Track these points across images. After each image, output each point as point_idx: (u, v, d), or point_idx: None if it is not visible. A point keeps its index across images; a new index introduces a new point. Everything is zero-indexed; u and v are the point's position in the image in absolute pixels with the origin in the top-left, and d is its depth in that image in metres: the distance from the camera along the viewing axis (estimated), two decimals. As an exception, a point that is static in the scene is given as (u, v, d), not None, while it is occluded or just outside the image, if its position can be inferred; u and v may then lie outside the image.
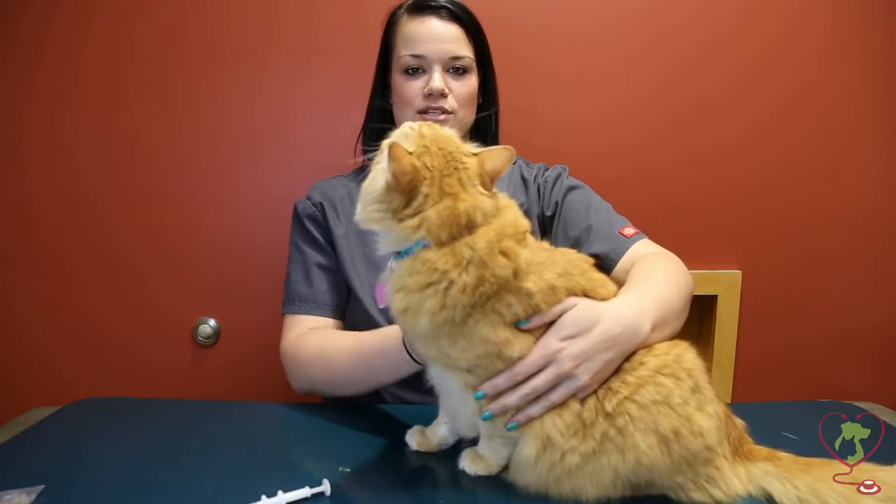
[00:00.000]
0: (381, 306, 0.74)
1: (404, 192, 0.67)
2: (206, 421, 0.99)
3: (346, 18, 1.45)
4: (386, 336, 0.89)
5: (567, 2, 1.49)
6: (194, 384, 1.54)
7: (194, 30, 1.45)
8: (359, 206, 0.72)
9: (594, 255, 1.02)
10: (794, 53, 1.52)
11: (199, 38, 1.45)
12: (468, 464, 0.78)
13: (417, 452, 0.85)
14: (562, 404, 0.72)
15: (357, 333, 0.99)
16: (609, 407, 0.71)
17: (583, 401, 0.72)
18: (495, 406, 0.72)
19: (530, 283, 0.70)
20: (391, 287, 0.71)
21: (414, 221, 0.67)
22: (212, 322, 1.53)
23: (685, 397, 0.71)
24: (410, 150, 0.69)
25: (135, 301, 1.51)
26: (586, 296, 0.76)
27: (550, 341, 0.72)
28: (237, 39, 1.46)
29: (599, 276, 0.80)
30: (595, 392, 0.73)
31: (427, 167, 0.68)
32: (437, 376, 0.79)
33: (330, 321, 1.11)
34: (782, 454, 0.75)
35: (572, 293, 0.75)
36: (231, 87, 1.47)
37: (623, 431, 0.70)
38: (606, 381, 0.73)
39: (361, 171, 1.22)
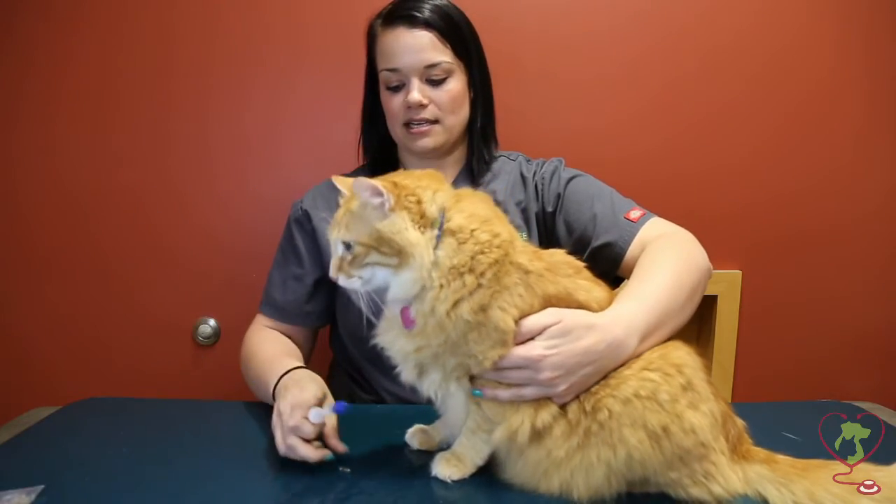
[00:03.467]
0: (409, 328, 0.74)
1: (410, 206, 0.71)
2: (206, 421, 0.99)
3: (339, 20, 1.45)
4: (274, 374, 0.93)
5: (570, 7, 1.48)
6: (194, 384, 1.54)
7: (187, 32, 1.45)
8: (401, 282, 0.71)
9: (605, 245, 1.01)
10: (796, 60, 1.51)
11: (192, 39, 1.45)
12: (441, 468, 0.77)
13: (418, 452, 0.85)
14: (545, 405, 0.73)
15: (277, 353, 1.03)
16: (588, 406, 0.73)
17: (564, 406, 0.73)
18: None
19: (524, 259, 0.73)
20: (431, 297, 0.71)
21: (434, 209, 0.72)
22: (212, 322, 1.53)
23: (674, 394, 0.71)
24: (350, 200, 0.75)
25: (135, 301, 1.51)
26: (569, 298, 0.76)
27: (535, 346, 0.72)
28: (230, 41, 1.45)
29: (585, 283, 0.79)
30: (577, 396, 0.74)
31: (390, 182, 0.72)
32: (442, 395, 0.78)
33: (294, 328, 1.14)
34: (779, 457, 0.74)
35: (558, 292, 0.75)
36: (235, 84, 1.47)
37: (605, 426, 0.71)
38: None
39: (363, 170, 1.21)
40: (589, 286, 0.79)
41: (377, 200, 0.70)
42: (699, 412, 0.71)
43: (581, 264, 0.81)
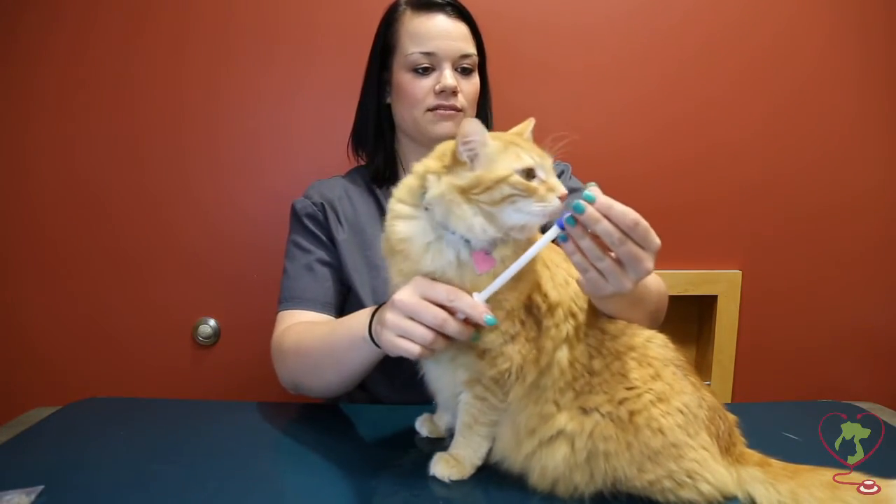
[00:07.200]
0: (480, 272, 0.71)
1: None
2: (206, 421, 0.99)
3: (350, 17, 1.45)
4: (354, 316, 0.87)
5: (569, 1, 1.49)
6: (194, 384, 1.54)
7: (198, 29, 1.45)
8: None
9: None
10: (794, 53, 1.52)
11: (203, 37, 1.45)
12: (441, 468, 0.77)
13: (419, 448, 0.85)
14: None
15: (333, 320, 1.00)
16: (596, 364, 0.75)
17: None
18: None
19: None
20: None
21: None
22: (212, 322, 1.53)
23: (644, 379, 0.73)
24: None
25: (135, 301, 1.51)
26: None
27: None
28: (241, 38, 1.46)
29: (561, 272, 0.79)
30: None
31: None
32: (433, 369, 0.80)
33: (327, 318, 1.06)
34: (773, 461, 0.74)
35: None
36: (232, 87, 1.47)
37: (592, 387, 0.73)
38: (600, 349, 0.75)
39: (357, 171, 1.21)
40: (562, 274, 0.80)
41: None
42: (671, 407, 0.71)
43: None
